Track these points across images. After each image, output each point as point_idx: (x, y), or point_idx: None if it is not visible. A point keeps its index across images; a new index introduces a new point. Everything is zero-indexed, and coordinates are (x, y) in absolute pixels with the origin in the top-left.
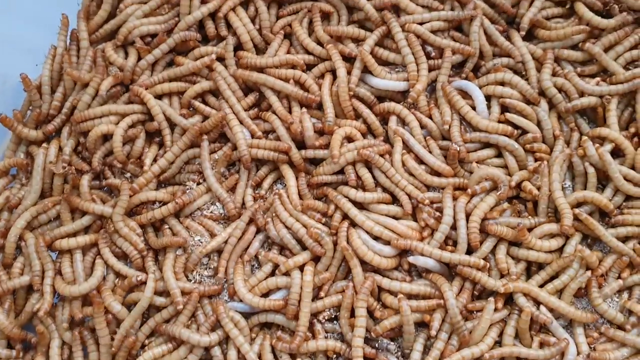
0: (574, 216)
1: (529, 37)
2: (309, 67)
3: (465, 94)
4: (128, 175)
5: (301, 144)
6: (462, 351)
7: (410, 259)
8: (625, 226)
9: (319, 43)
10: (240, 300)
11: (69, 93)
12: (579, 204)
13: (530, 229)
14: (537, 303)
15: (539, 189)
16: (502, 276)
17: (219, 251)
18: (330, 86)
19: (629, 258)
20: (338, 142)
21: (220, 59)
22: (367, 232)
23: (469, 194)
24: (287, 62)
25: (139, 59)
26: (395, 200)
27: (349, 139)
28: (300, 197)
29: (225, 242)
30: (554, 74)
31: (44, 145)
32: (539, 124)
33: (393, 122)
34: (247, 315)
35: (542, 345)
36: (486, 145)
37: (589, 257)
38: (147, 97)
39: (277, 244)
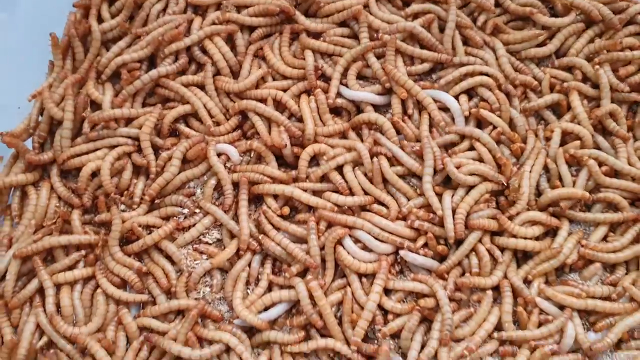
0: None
1: None
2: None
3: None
4: (122, 207)
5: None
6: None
7: (402, 253)
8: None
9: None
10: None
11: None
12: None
13: (510, 218)
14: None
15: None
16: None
17: (221, 269)
18: (309, 102)
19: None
20: (305, 163)
21: (200, 86)
22: (368, 233)
23: (453, 187)
24: (260, 77)
25: (116, 94)
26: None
27: (322, 155)
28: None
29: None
30: (520, 71)
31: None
32: (511, 120)
33: (366, 132)
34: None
35: (540, 324)
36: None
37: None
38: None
39: (271, 256)
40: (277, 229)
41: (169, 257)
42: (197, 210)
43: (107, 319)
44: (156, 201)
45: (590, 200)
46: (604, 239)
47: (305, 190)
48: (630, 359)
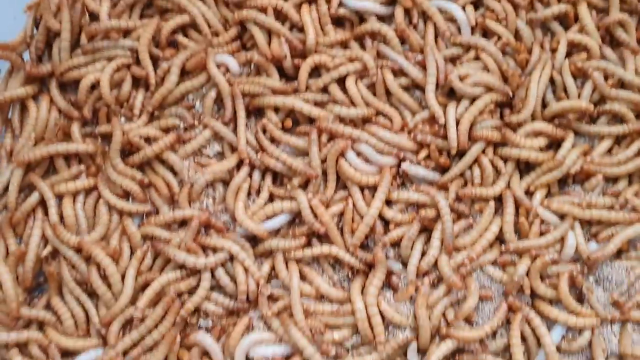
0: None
1: None
2: None
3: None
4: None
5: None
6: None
7: (404, 165)
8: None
9: None
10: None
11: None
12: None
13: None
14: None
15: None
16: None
17: (224, 181)
18: (309, 11)
19: None
20: (305, 74)
21: None
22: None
23: (457, 99)
24: None
25: (114, 5)
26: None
27: (324, 66)
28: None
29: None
30: None
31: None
32: (517, 32)
33: (368, 43)
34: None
35: (541, 235)
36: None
37: None
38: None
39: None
40: (278, 142)
41: (170, 169)
42: (197, 123)
43: (110, 229)
44: (155, 113)
45: (594, 113)
46: (609, 151)
47: (307, 102)
48: (629, 269)
